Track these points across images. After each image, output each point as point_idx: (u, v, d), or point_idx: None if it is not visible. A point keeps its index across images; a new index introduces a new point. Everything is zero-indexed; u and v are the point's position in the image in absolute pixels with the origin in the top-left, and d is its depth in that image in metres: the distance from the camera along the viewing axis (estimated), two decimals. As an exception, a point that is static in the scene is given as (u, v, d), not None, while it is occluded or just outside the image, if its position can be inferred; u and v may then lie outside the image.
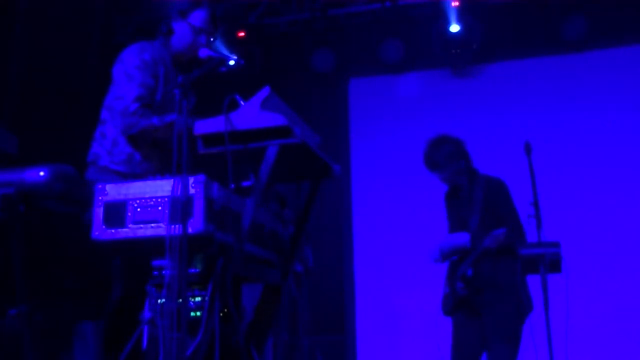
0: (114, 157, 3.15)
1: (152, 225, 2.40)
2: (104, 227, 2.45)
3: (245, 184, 2.83)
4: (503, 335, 3.94)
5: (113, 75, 3.22)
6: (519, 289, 4.00)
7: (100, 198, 2.48)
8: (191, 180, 2.38)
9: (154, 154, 3.18)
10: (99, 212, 2.47)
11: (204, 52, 3.23)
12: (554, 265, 4.07)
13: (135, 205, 2.44)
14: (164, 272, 2.39)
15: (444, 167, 4.20)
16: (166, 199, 2.39)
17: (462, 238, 4.05)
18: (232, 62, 3.22)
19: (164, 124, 3.03)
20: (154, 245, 2.37)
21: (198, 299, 2.44)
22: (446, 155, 4.19)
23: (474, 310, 4.05)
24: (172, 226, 2.32)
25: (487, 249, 3.95)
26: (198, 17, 3.31)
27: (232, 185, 2.65)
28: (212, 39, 3.35)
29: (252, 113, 2.62)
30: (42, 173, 2.26)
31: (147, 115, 3.08)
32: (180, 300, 2.30)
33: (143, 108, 3.08)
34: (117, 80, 3.19)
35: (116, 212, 2.45)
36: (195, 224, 2.35)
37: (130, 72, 3.15)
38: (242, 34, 7.00)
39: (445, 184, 4.36)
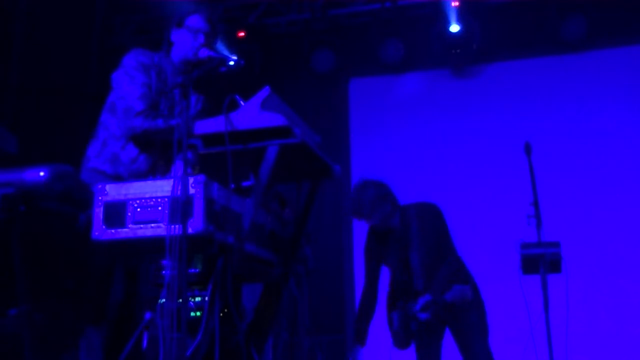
0: (100, 157, 3.20)
1: (152, 225, 2.40)
2: (104, 227, 2.45)
3: (245, 184, 2.83)
4: (483, 332, 4.01)
5: (113, 80, 3.26)
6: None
7: (100, 198, 2.48)
8: (191, 180, 2.38)
9: (152, 154, 3.21)
10: (99, 212, 2.47)
11: (204, 52, 3.25)
12: (554, 265, 4.07)
13: (135, 205, 2.44)
14: (163, 272, 2.39)
15: (371, 214, 4.03)
16: (166, 199, 2.39)
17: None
18: (232, 62, 3.24)
19: (168, 127, 3.06)
20: (154, 246, 2.38)
21: (198, 299, 2.44)
22: (370, 201, 4.00)
23: (436, 332, 4.01)
24: (172, 226, 2.32)
25: (450, 304, 3.80)
26: (194, 20, 3.36)
27: (232, 185, 2.65)
28: (212, 40, 3.37)
29: (252, 113, 2.62)
30: (42, 173, 2.26)
31: (152, 117, 3.11)
32: (180, 300, 2.30)
33: (149, 109, 3.12)
34: (119, 82, 3.23)
35: (116, 212, 2.45)
36: (195, 224, 2.35)
37: (130, 73, 3.20)
38: (242, 34, 7.00)
39: (376, 229, 4.16)
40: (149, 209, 2.42)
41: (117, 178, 3.13)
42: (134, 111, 3.11)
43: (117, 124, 3.19)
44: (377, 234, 4.18)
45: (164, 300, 2.38)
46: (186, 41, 3.32)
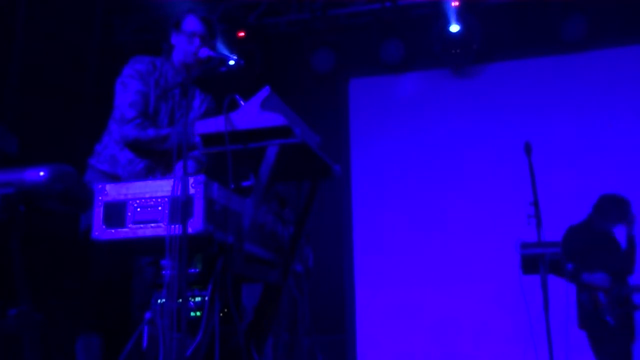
0: (100, 157, 3.26)
1: (152, 225, 2.40)
2: (103, 227, 2.45)
3: (245, 184, 2.83)
4: None
5: (114, 88, 3.31)
6: None
7: (100, 198, 2.48)
8: (191, 180, 2.38)
9: (150, 159, 3.23)
10: (99, 212, 2.47)
11: (204, 52, 3.26)
12: (554, 265, 4.08)
13: (135, 205, 2.44)
14: (163, 272, 2.39)
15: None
16: (166, 199, 2.39)
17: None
18: (232, 62, 3.24)
19: (159, 137, 3.12)
20: (154, 245, 2.37)
21: (198, 299, 2.44)
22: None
23: None
24: (172, 226, 2.32)
25: None
26: (188, 22, 3.36)
27: (232, 185, 2.65)
28: (209, 40, 3.37)
29: (252, 113, 2.62)
30: (42, 173, 2.26)
31: (143, 125, 3.15)
32: (180, 300, 2.30)
33: (140, 117, 3.16)
34: (115, 91, 3.29)
35: (116, 212, 2.44)
36: (195, 224, 2.35)
37: (125, 81, 3.25)
38: (242, 34, 7.00)
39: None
40: (149, 209, 2.42)
41: (115, 178, 3.16)
42: (125, 119, 3.16)
43: (118, 130, 3.23)
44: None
45: (164, 300, 2.38)
46: (184, 45, 3.33)
